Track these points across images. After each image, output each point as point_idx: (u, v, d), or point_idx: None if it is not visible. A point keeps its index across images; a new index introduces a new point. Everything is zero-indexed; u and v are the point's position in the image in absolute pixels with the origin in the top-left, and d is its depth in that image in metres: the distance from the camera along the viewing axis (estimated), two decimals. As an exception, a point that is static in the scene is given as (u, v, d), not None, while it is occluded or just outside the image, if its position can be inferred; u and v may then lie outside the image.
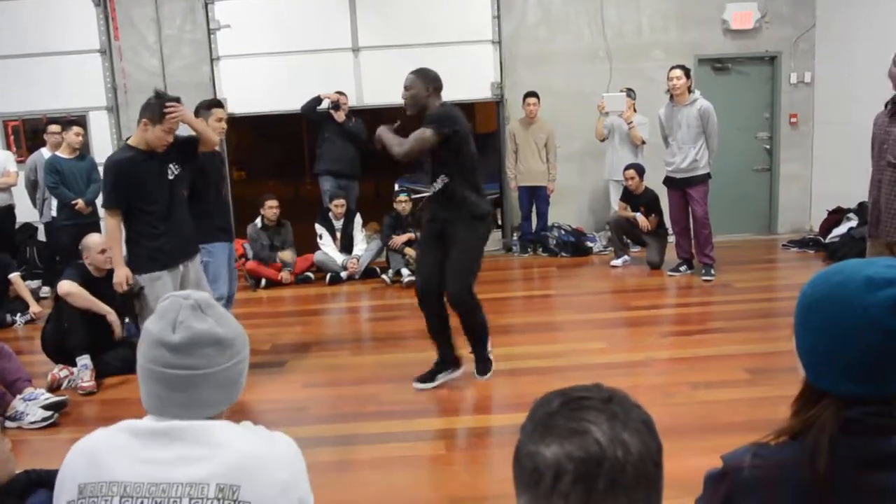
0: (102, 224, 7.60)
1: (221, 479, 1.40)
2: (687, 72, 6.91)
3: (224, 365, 1.51)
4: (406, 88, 4.45)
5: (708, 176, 6.99)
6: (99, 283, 5.09)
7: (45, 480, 2.51)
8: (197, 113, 5.14)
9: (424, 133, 4.25)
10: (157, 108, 4.23)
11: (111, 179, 4.29)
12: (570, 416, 0.99)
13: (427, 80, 4.41)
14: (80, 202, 7.18)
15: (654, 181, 7.62)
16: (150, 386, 1.50)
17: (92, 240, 5.20)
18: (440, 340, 4.65)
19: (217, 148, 5.34)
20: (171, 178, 4.39)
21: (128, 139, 4.46)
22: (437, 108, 4.39)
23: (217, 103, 5.33)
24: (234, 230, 8.61)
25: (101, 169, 7.54)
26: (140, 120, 4.28)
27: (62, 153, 7.31)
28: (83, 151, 7.56)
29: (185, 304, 1.50)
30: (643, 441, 0.97)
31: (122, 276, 4.33)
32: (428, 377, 4.62)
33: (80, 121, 7.79)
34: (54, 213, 7.39)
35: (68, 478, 1.46)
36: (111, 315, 5.03)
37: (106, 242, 5.24)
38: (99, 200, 7.55)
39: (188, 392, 1.47)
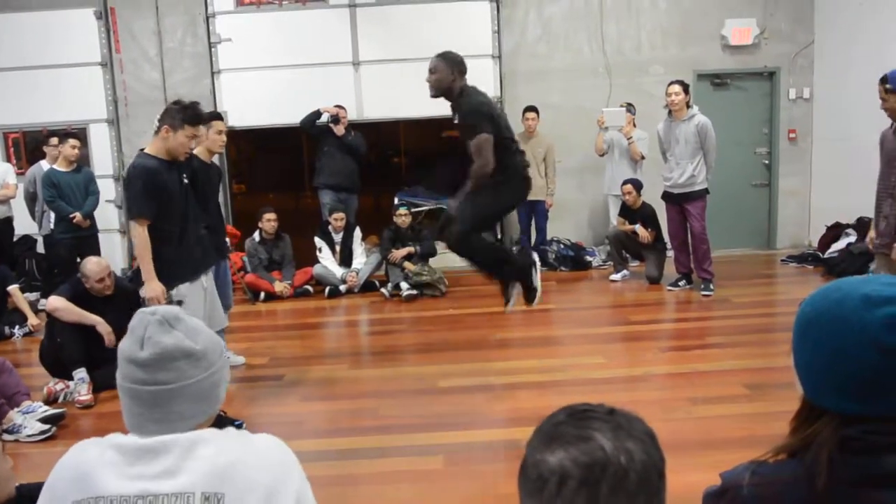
0: (101, 237, 7.67)
1: (206, 488, 1.41)
2: (685, 87, 6.93)
3: (197, 377, 1.50)
4: (430, 72, 4.59)
5: (706, 191, 7.00)
6: (94, 300, 5.06)
7: (37, 495, 2.49)
8: None
9: (481, 138, 4.40)
10: (178, 113, 4.18)
11: (141, 187, 4.10)
12: (575, 424, 1.01)
13: (452, 64, 4.56)
14: (77, 215, 7.19)
15: (653, 196, 7.63)
16: (127, 403, 1.51)
17: (90, 268, 5.06)
18: None
19: (215, 160, 5.34)
20: (183, 186, 4.37)
21: (142, 149, 4.35)
22: (468, 97, 4.53)
23: (216, 115, 5.31)
24: (239, 239, 8.64)
25: (98, 181, 7.65)
26: (160, 127, 4.20)
27: (59, 166, 7.31)
28: (81, 164, 7.56)
29: (152, 320, 1.50)
30: (647, 451, 0.99)
31: (157, 291, 4.10)
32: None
33: (77, 133, 7.78)
34: (53, 226, 7.39)
35: (59, 495, 1.46)
36: (101, 325, 4.98)
37: (102, 261, 5.23)
38: (99, 212, 7.63)
39: (162, 407, 1.48)
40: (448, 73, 4.53)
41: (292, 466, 1.54)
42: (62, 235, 7.28)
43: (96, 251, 6.98)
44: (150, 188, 4.11)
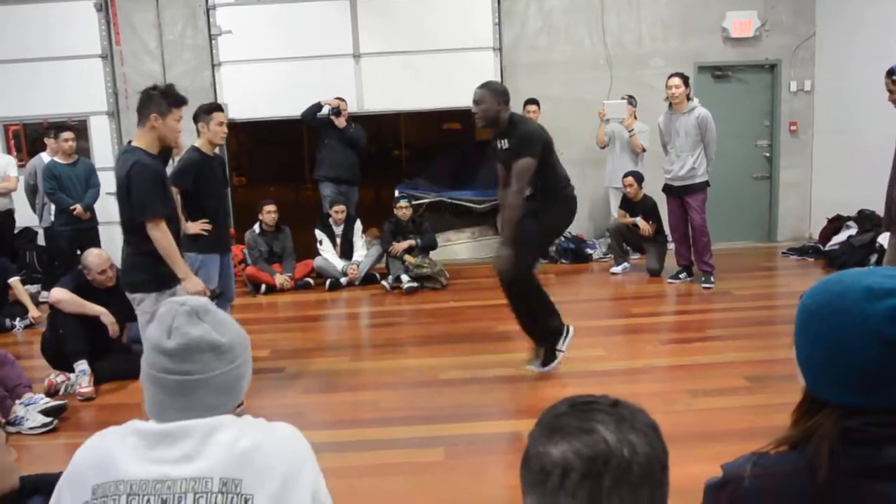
0: (102, 229, 7.66)
1: (224, 473, 1.43)
2: (685, 80, 6.92)
3: (222, 370, 1.52)
4: (476, 103, 4.59)
5: (706, 184, 6.99)
6: (97, 292, 5.07)
7: (40, 486, 2.49)
8: (197, 117, 5.13)
9: (527, 162, 4.47)
10: (163, 98, 4.01)
11: (151, 185, 3.95)
12: (578, 416, 1.01)
13: (496, 95, 4.60)
14: (78, 207, 7.19)
15: (654, 189, 7.62)
16: (151, 391, 1.53)
17: (91, 260, 5.07)
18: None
19: (217, 152, 5.31)
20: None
21: (129, 142, 4.18)
22: (521, 124, 4.64)
23: (217, 107, 5.26)
24: (236, 235, 8.63)
25: (98, 174, 7.63)
26: (146, 117, 4.01)
27: (59, 158, 7.32)
28: (81, 156, 7.56)
29: (180, 311, 1.52)
30: (650, 443, 0.99)
31: (199, 286, 4.04)
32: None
33: (71, 126, 7.67)
34: (53, 219, 7.39)
35: (80, 479, 1.47)
36: (104, 315, 4.99)
37: (103, 253, 5.23)
38: (100, 205, 7.62)
39: (187, 397, 1.50)
40: (493, 103, 4.55)
41: (308, 457, 1.57)
42: (62, 228, 7.29)
43: (96, 243, 6.98)
44: (159, 185, 4.00)
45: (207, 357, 1.50)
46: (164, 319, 1.52)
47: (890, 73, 5.09)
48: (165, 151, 4.42)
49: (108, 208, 8.42)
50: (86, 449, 1.52)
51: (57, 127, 7.55)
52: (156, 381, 1.51)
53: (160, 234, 3.97)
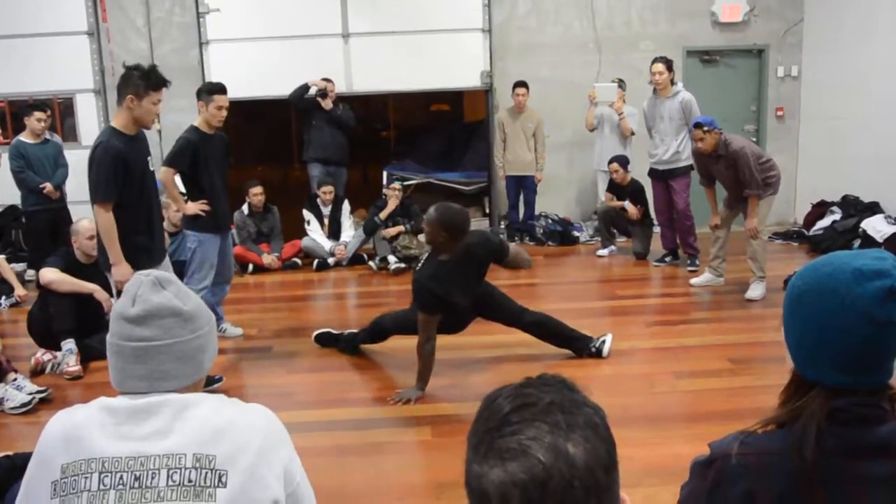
0: (71, 208, 7.54)
1: (197, 449, 1.44)
2: (669, 65, 6.94)
3: (183, 337, 1.54)
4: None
5: (690, 168, 7.00)
6: (86, 269, 5.05)
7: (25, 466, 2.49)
8: (199, 95, 5.09)
9: None
10: (141, 80, 3.94)
11: (105, 169, 3.92)
12: (512, 427, 0.94)
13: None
14: (48, 185, 7.05)
15: (642, 172, 7.64)
16: (114, 359, 1.54)
17: (82, 224, 5.08)
18: None
19: (214, 132, 5.19)
20: (151, 168, 4.23)
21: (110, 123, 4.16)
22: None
23: (219, 89, 5.07)
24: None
25: (85, 152, 7.52)
26: (123, 97, 3.97)
27: (26, 138, 7.16)
28: (63, 134, 7.41)
29: (145, 281, 1.55)
30: (590, 449, 0.92)
31: (127, 274, 3.92)
32: None
33: (42, 106, 7.42)
34: (21, 199, 7.27)
35: (48, 458, 1.48)
36: (98, 292, 4.95)
37: (95, 234, 5.19)
38: (74, 187, 7.53)
39: (146, 364, 1.51)
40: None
41: (281, 435, 1.58)
42: (34, 208, 7.15)
43: (69, 222, 6.88)
44: (115, 170, 3.94)
45: (168, 322, 1.52)
46: (129, 290, 1.55)
47: (698, 125, 6.01)
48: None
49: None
50: (52, 427, 1.53)
51: (30, 106, 7.41)
52: (118, 350, 1.52)
53: (104, 218, 3.99)
